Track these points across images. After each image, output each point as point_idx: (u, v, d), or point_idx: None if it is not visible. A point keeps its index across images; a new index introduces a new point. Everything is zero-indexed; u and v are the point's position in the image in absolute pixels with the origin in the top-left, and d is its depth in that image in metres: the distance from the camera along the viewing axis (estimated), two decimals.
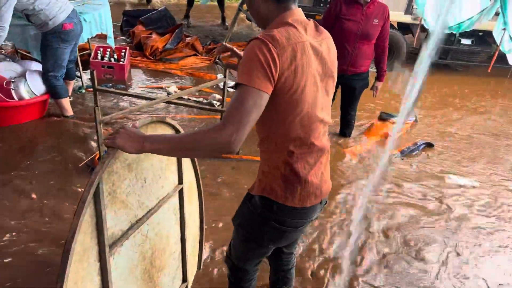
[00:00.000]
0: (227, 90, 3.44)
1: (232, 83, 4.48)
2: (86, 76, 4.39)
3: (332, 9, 3.24)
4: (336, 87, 3.56)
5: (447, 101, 5.12)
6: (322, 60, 1.34)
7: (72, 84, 4.04)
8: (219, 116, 3.79)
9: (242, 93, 1.15)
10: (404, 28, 5.66)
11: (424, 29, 5.34)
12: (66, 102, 3.60)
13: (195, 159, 1.94)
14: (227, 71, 3.34)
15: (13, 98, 3.34)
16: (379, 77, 3.49)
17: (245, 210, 1.53)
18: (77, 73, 4.26)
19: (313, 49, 1.30)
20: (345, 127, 3.80)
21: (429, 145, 3.89)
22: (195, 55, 5.37)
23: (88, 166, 3.00)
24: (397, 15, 5.15)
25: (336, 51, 1.45)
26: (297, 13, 1.32)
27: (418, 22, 5.18)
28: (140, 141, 1.21)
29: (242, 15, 4.39)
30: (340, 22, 3.19)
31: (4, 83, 3.33)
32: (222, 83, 4.04)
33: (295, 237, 1.63)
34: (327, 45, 1.39)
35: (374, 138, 3.92)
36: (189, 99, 4.27)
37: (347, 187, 3.16)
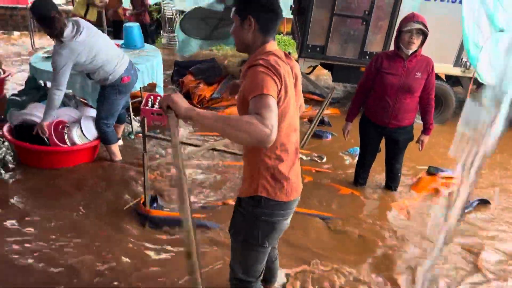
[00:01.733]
0: None
1: None
2: (136, 122, 4.59)
3: (373, 63, 3.24)
4: (379, 139, 3.48)
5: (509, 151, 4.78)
6: (296, 82, 1.74)
7: (122, 128, 4.22)
8: None
9: (267, 99, 1.42)
10: (453, 80, 5.53)
11: (476, 82, 5.19)
12: (115, 147, 3.75)
13: None
14: None
15: (65, 142, 3.52)
16: (425, 130, 3.38)
17: (237, 216, 1.82)
18: (128, 118, 4.47)
19: (291, 73, 1.68)
20: (391, 180, 3.66)
21: (484, 202, 3.63)
22: None
23: (133, 209, 3.06)
24: (445, 68, 5.05)
25: (300, 75, 1.81)
26: (274, 44, 1.67)
27: (469, 75, 5.05)
28: (191, 106, 1.45)
29: None
30: (381, 75, 3.18)
31: (59, 127, 3.54)
32: None
33: (282, 229, 1.85)
34: (295, 70, 1.76)
35: (423, 193, 3.72)
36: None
37: (398, 245, 2.99)
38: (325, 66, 5.58)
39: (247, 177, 1.76)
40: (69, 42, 3.05)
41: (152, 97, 4.83)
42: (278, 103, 1.51)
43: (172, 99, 1.43)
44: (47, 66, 3.91)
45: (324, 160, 4.18)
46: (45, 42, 7.88)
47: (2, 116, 4.22)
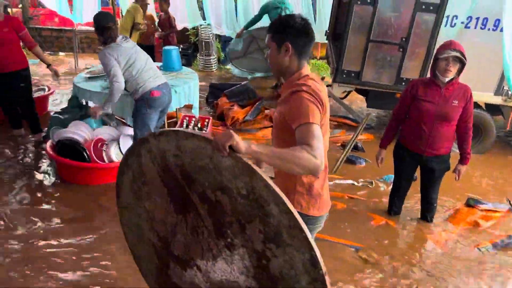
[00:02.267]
0: None
1: None
2: None
3: (409, 89, 3.19)
4: (415, 168, 3.39)
5: None
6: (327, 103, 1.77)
7: None
8: None
9: (314, 128, 1.53)
10: (494, 109, 5.35)
11: None
12: None
13: None
14: None
15: (103, 160, 3.64)
16: (462, 160, 3.27)
17: None
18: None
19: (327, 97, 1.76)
20: (427, 211, 3.53)
21: None
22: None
23: None
24: (485, 96, 4.90)
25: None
26: (309, 69, 1.78)
27: (511, 104, 4.88)
28: (250, 144, 1.45)
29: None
30: (417, 102, 3.12)
31: (98, 145, 3.67)
32: None
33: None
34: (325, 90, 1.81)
35: (461, 226, 3.57)
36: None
37: (432, 280, 2.86)
38: (359, 91, 5.54)
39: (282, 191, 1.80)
40: (114, 44, 3.42)
41: (187, 118, 4.93)
42: (320, 126, 1.60)
43: (235, 139, 1.38)
44: (89, 86, 4.11)
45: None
46: (88, 63, 8.27)
47: (45, 133, 4.43)
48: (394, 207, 3.60)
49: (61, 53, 9.08)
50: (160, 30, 6.77)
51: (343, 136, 5.33)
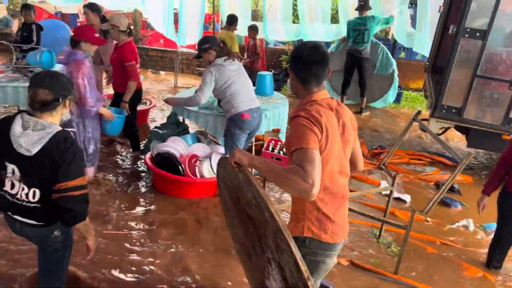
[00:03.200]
0: (391, 200, 3.29)
1: (398, 195, 4.25)
2: None
3: None
4: None
5: None
6: (344, 128, 1.81)
7: None
8: (379, 225, 3.59)
9: (308, 152, 1.57)
10: None
11: None
12: None
13: None
14: (396, 181, 3.21)
15: (196, 175, 3.82)
16: None
17: None
18: None
19: (337, 121, 1.78)
20: None
21: None
22: None
23: None
24: None
25: (350, 124, 1.85)
26: (321, 94, 1.80)
27: None
28: (250, 157, 1.67)
29: (415, 123, 4.27)
30: None
31: (193, 160, 3.87)
32: (386, 192, 3.87)
33: (328, 268, 1.95)
34: (349, 116, 1.85)
35: None
36: None
37: None
38: (459, 128, 5.17)
39: (294, 217, 1.89)
40: (220, 65, 3.64)
41: (273, 141, 5.00)
42: (320, 151, 1.65)
43: (236, 156, 1.67)
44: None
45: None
46: (185, 82, 8.85)
47: (143, 147, 4.76)
48: (494, 261, 3.25)
49: (162, 72, 9.84)
50: (247, 56, 7.06)
51: (437, 175, 4.99)
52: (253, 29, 6.96)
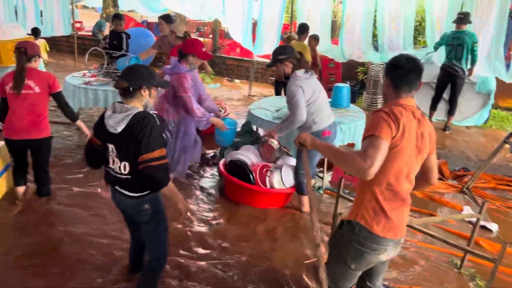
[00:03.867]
0: (477, 228, 3.00)
1: (484, 223, 3.87)
2: (327, 177, 4.65)
3: None
4: None
5: None
6: (421, 138, 1.90)
7: (312, 182, 4.33)
8: (460, 254, 3.30)
9: (376, 140, 1.75)
10: None
11: None
12: (306, 199, 3.85)
13: None
14: (484, 206, 2.94)
15: (266, 184, 3.81)
16: None
17: (336, 235, 2.10)
18: (320, 174, 4.57)
19: (417, 128, 1.88)
20: None
21: None
22: (440, 179, 5.01)
23: (314, 268, 3.03)
24: None
25: (434, 135, 1.99)
26: (408, 101, 1.93)
27: None
28: (314, 139, 2.10)
29: (506, 146, 3.89)
30: None
31: (264, 170, 3.86)
32: (471, 219, 3.56)
33: (373, 261, 2.01)
34: (428, 129, 1.94)
35: None
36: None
37: None
38: None
39: (353, 205, 2.03)
40: (302, 78, 3.44)
41: None
42: (392, 146, 1.80)
43: (301, 137, 2.12)
44: (262, 114, 4.40)
45: None
46: (258, 91, 8.96)
47: (212, 153, 4.86)
48: None
49: (237, 80, 10.07)
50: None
51: None
52: (314, 39, 6.84)
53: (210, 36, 12.43)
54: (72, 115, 3.58)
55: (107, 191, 2.44)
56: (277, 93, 6.85)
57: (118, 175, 2.23)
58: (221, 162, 4.17)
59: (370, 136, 1.77)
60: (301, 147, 2.12)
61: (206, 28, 13.51)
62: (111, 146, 2.21)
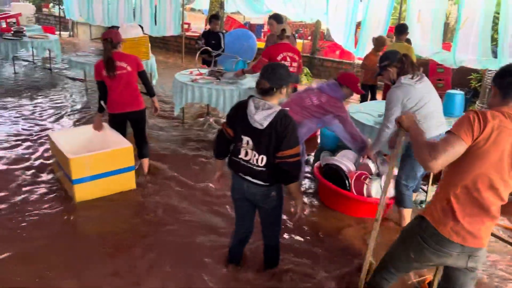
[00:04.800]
0: None
1: None
2: (430, 191, 4.28)
3: None
4: None
5: None
6: None
7: (414, 196, 4.02)
8: None
9: (451, 137, 1.78)
10: None
11: None
12: (407, 212, 3.58)
13: None
14: None
15: (362, 193, 3.62)
16: None
17: (408, 224, 2.18)
18: (424, 187, 4.23)
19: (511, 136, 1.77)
20: None
21: None
22: None
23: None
24: None
25: None
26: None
27: None
28: (412, 122, 2.10)
29: None
30: None
31: (362, 177, 3.68)
32: None
33: (431, 260, 1.99)
34: None
35: None
36: None
37: None
38: None
39: (431, 199, 2.05)
40: (406, 85, 3.20)
41: None
42: (473, 147, 1.77)
43: (401, 118, 2.16)
44: (363, 119, 4.21)
45: None
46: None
47: (308, 157, 4.79)
48: None
49: None
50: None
51: None
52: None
53: (309, 38, 12.36)
54: (152, 90, 4.12)
55: (218, 182, 2.73)
56: (364, 98, 6.54)
57: (253, 167, 2.38)
58: (316, 164, 4.07)
59: (449, 133, 1.80)
60: (399, 127, 2.18)
61: (305, 29, 13.48)
62: (246, 139, 2.36)
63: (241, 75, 5.14)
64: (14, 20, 8.91)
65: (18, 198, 3.64)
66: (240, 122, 2.37)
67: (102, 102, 3.87)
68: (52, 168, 4.22)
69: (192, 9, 19.58)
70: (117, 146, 3.78)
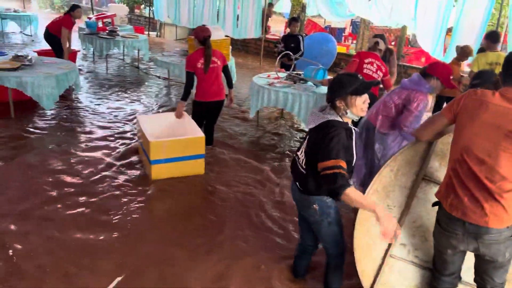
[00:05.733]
0: None
1: None
2: None
3: None
4: None
5: None
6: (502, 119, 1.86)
7: None
8: None
9: (435, 115, 2.19)
10: None
11: None
12: None
13: None
14: None
15: None
16: None
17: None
18: None
19: (494, 109, 1.88)
20: None
21: None
22: None
23: None
24: None
25: None
26: (506, 91, 1.91)
27: None
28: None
29: None
30: None
31: None
32: None
33: (447, 245, 2.09)
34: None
35: None
36: None
37: None
38: None
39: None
40: None
41: None
42: (456, 121, 2.03)
43: None
44: None
45: None
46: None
47: None
48: None
49: None
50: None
51: None
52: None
53: (393, 43, 11.84)
54: (231, 83, 4.60)
55: None
56: (437, 108, 6.01)
57: (299, 167, 2.33)
58: None
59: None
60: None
61: (388, 35, 12.93)
62: (307, 138, 2.33)
63: (326, 84, 5.01)
64: (109, 20, 9.65)
65: (106, 173, 4.09)
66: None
67: (188, 91, 4.28)
68: (137, 147, 4.64)
69: (273, 12, 19.75)
70: (192, 135, 4.18)
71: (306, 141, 2.32)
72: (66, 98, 6.25)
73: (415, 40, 11.00)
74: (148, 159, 3.94)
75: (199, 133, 4.19)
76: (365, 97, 2.18)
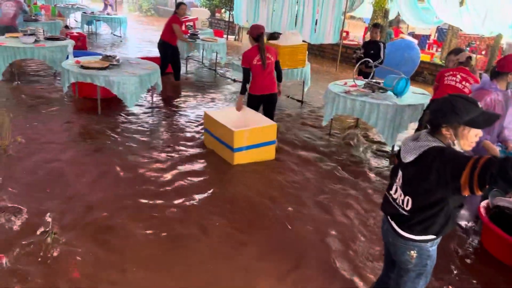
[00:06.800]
0: None
1: None
2: None
3: None
4: None
5: None
6: None
7: None
8: None
9: None
10: None
11: None
12: None
13: None
14: None
15: None
16: None
17: None
18: None
19: None
20: None
21: None
22: None
23: None
24: None
25: None
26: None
27: None
28: None
29: None
30: None
31: None
32: None
33: None
34: None
35: None
36: None
37: None
38: None
39: None
40: None
41: None
42: None
43: None
44: None
45: None
46: None
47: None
48: None
49: None
50: None
51: None
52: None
53: (483, 52, 10.92)
54: (281, 77, 4.88)
55: None
56: None
57: (399, 209, 1.98)
58: (483, 203, 3.46)
59: None
60: None
61: (478, 43, 11.93)
62: (400, 173, 1.99)
63: None
64: (191, 23, 10.01)
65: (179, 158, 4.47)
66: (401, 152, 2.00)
67: (247, 86, 4.66)
68: (203, 137, 5.03)
69: (352, 17, 19.22)
70: (265, 124, 4.60)
71: (400, 178, 1.98)
72: (147, 98, 6.59)
73: (509, 49, 10.03)
74: (231, 147, 4.38)
75: (270, 121, 4.65)
76: (480, 131, 1.83)
